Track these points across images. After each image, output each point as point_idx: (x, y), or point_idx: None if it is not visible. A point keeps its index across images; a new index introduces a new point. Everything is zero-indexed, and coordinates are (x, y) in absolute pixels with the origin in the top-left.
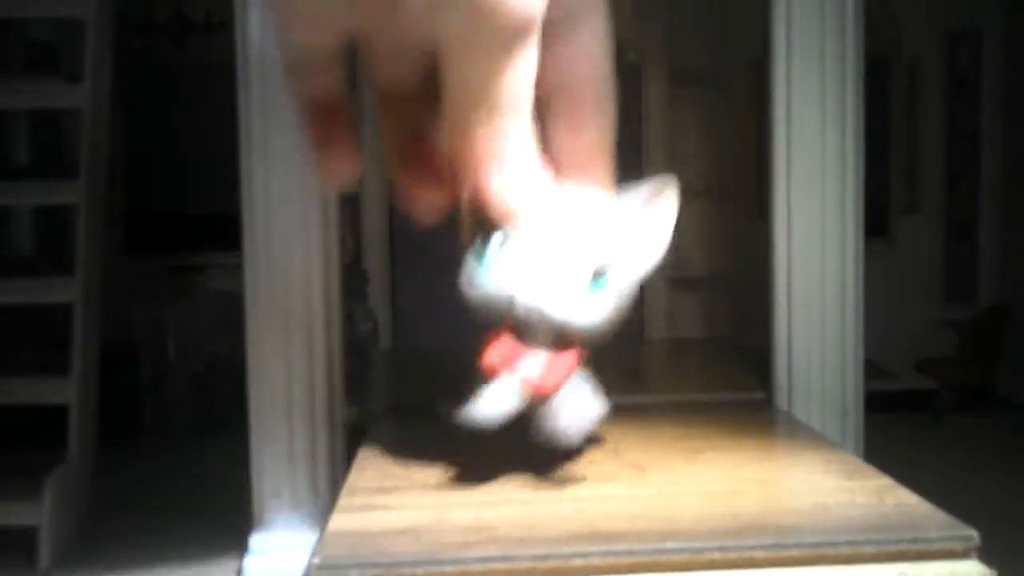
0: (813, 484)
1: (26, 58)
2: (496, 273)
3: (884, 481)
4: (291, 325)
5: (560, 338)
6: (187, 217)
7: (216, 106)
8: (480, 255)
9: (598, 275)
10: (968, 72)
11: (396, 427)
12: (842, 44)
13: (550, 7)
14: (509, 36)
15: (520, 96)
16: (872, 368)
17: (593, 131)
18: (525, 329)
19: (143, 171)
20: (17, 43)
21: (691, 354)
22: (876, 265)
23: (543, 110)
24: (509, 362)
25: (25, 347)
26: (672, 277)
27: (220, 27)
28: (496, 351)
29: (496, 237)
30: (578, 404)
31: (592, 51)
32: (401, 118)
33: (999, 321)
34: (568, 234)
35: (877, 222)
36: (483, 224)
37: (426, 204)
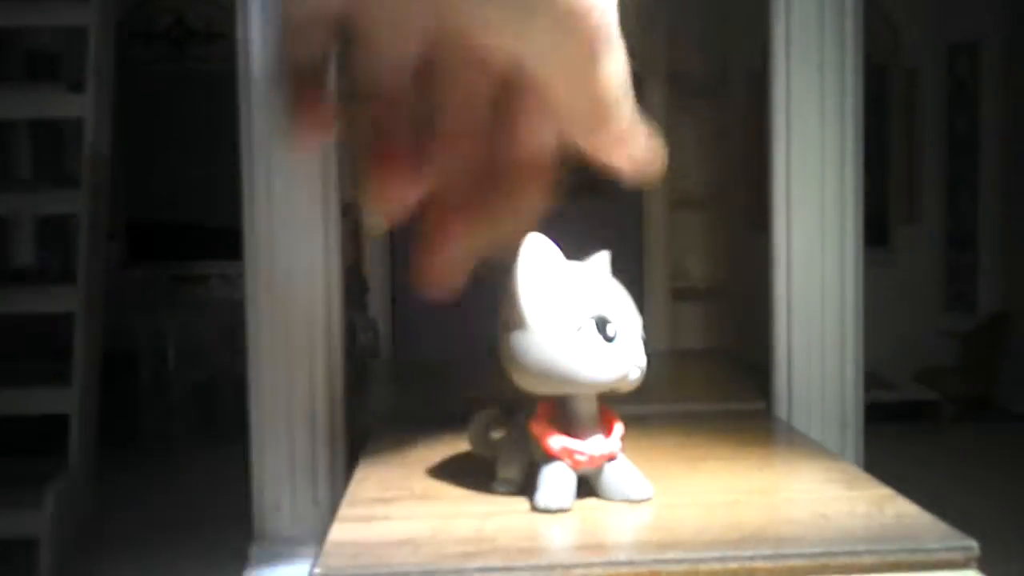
0: (813, 494)
1: (27, 67)
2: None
3: (884, 491)
4: (292, 335)
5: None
6: (188, 226)
7: (217, 115)
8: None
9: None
10: (967, 82)
11: (396, 437)
12: (841, 54)
13: None
14: (595, 48)
15: (621, 88)
16: (872, 378)
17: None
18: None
19: (144, 180)
20: (18, 52)
21: (692, 365)
22: (876, 275)
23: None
24: (569, 452)
25: (26, 357)
26: (672, 288)
27: (221, 36)
28: (556, 440)
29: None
30: (626, 463)
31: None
32: (383, 117)
33: (999, 331)
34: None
35: (877, 232)
36: None
37: (396, 201)
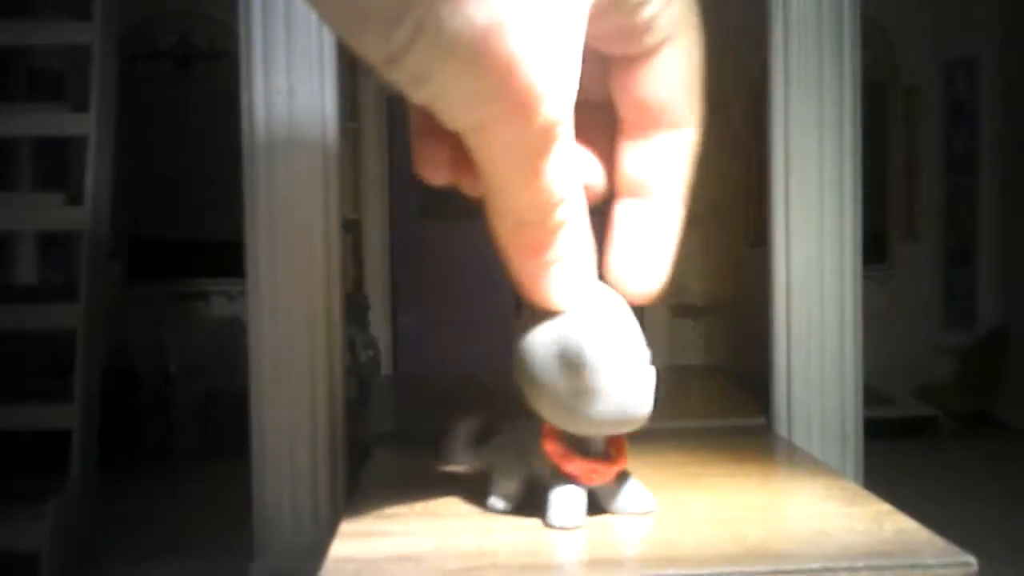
0: (813, 510)
1: (31, 85)
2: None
3: (883, 507)
4: (293, 352)
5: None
6: (189, 244)
7: (219, 133)
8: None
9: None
10: (965, 99)
11: (397, 453)
12: (840, 71)
13: (627, 44)
14: (537, 137)
15: (555, 201)
16: (872, 394)
17: (666, 147)
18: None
19: (146, 197)
20: (21, 70)
21: (692, 380)
22: (875, 291)
23: (623, 128)
24: (586, 472)
25: (27, 373)
26: (673, 304)
27: (224, 55)
28: (574, 463)
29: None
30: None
31: (671, 73)
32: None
33: (998, 347)
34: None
35: (876, 248)
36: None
37: (440, 164)
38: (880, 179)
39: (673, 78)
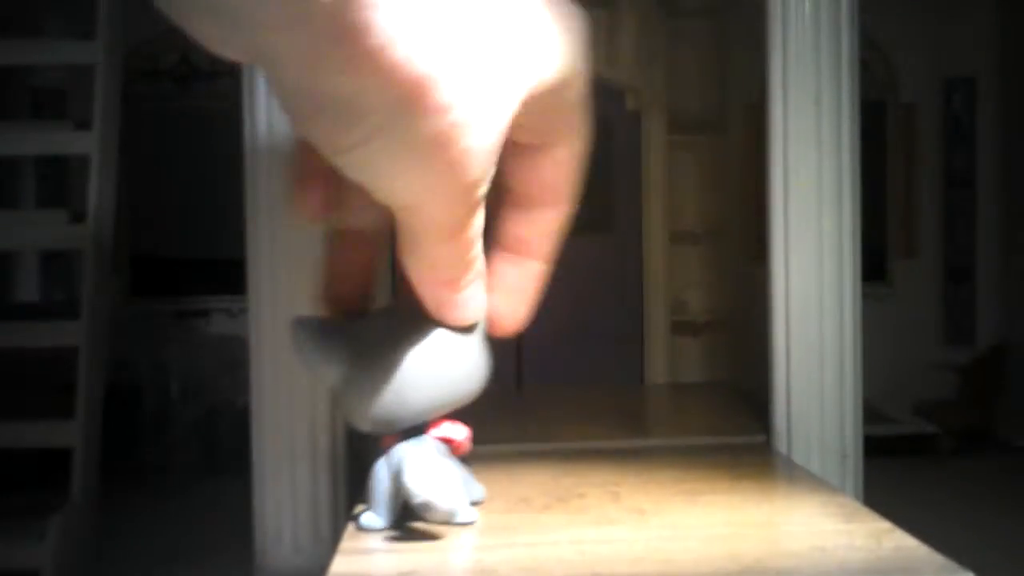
0: (812, 527)
1: (33, 104)
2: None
3: (882, 525)
4: (294, 368)
5: None
6: (190, 261)
7: (220, 151)
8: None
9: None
10: (964, 117)
11: None
12: (838, 89)
13: (524, 133)
14: (470, 212)
15: (473, 252)
16: (871, 412)
17: (543, 220)
18: None
19: (147, 215)
20: (24, 89)
21: (691, 398)
22: (875, 309)
23: (501, 196)
24: None
25: (28, 390)
26: (673, 321)
27: (225, 74)
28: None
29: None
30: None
31: (560, 164)
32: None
33: (998, 364)
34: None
35: (875, 267)
36: None
37: (314, 207)
38: (879, 197)
39: (565, 167)
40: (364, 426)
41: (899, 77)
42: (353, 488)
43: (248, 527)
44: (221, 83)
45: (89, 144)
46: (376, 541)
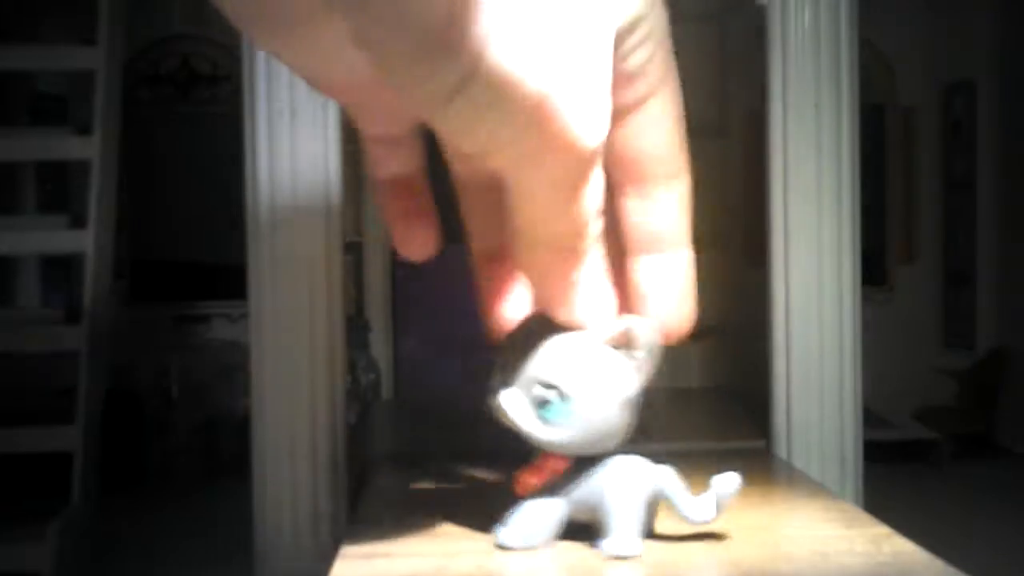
0: (812, 532)
1: (34, 109)
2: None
3: (882, 530)
4: (294, 374)
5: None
6: (191, 266)
7: (221, 156)
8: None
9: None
10: (963, 122)
11: (398, 475)
12: (838, 94)
13: (618, 93)
14: (576, 167)
15: (589, 224)
16: (871, 417)
17: (666, 200)
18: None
19: (148, 220)
20: (24, 95)
21: (691, 403)
22: (875, 314)
23: (612, 184)
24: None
25: (29, 395)
26: None
27: (225, 79)
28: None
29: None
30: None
31: (662, 124)
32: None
33: (997, 369)
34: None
35: (875, 271)
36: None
37: (420, 241)
38: (879, 201)
39: (664, 129)
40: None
41: (898, 81)
42: (354, 494)
43: (249, 531)
44: (222, 88)
45: (90, 149)
46: (377, 546)
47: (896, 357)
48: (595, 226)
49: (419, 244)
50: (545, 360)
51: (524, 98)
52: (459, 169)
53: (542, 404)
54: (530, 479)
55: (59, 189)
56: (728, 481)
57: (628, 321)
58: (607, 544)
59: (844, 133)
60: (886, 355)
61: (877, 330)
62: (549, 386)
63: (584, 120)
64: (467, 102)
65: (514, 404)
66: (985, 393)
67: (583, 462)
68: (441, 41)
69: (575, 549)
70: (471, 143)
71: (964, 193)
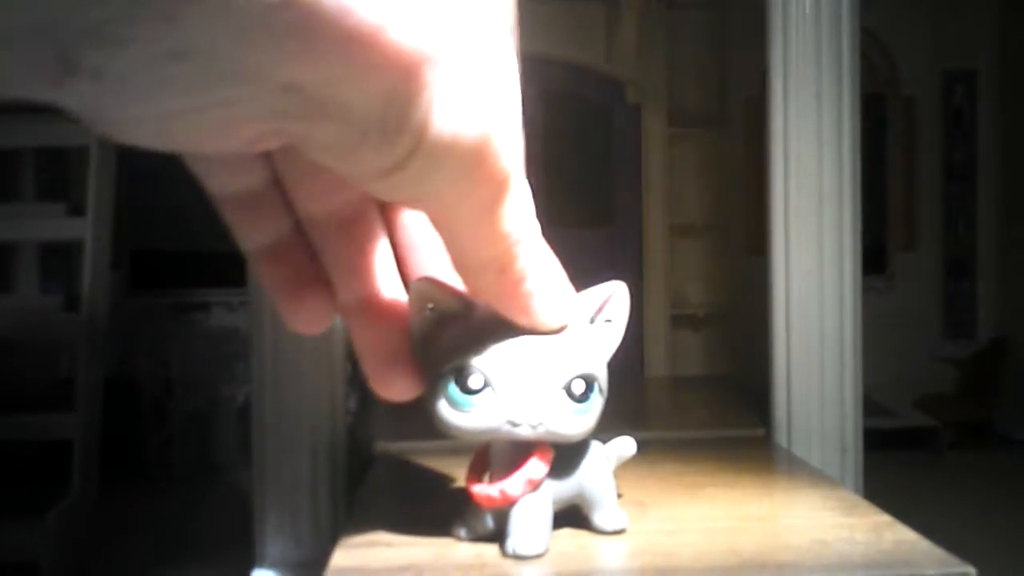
0: (812, 521)
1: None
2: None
3: (883, 518)
4: (294, 361)
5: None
6: (189, 254)
7: None
8: (454, 395)
9: (588, 384)
10: (964, 110)
11: (398, 463)
12: (839, 83)
13: None
14: (505, 191)
15: (526, 235)
16: (871, 405)
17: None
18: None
19: (147, 208)
20: None
21: (691, 391)
22: (875, 302)
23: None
24: (482, 498)
25: (28, 383)
26: (672, 314)
27: None
28: (477, 487)
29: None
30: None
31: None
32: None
33: (997, 358)
34: (544, 346)
35: (876, 259)
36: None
37: (312, 314)
38: (879, 190)
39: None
40: None
41: (899, 70)
42: (353, 482)
43: (247, 519)
44: None
45: (87, 135)
46: (376, 535)
47: (896, 345)
48: (533, 232)
49: (311, 316)
50: (566, 353)
51: (466, 150)
52: (315, 210)
53: (582, 398)
54: (524, 486)
55: (58, 177)
56: (625, 444)
57: (606, 289)
58: (604, 521)
59: (845, 122)
60: (886, 344)
61: (877, 319)
62: (587, 377)
63: (513, 146)
64: (408, 174)
65: (553, 405)
66: (985, 381)
67: (559, 454)
68: (380, 132)
69: (559, 536)
70: (403, 199)
71: (965, 182)
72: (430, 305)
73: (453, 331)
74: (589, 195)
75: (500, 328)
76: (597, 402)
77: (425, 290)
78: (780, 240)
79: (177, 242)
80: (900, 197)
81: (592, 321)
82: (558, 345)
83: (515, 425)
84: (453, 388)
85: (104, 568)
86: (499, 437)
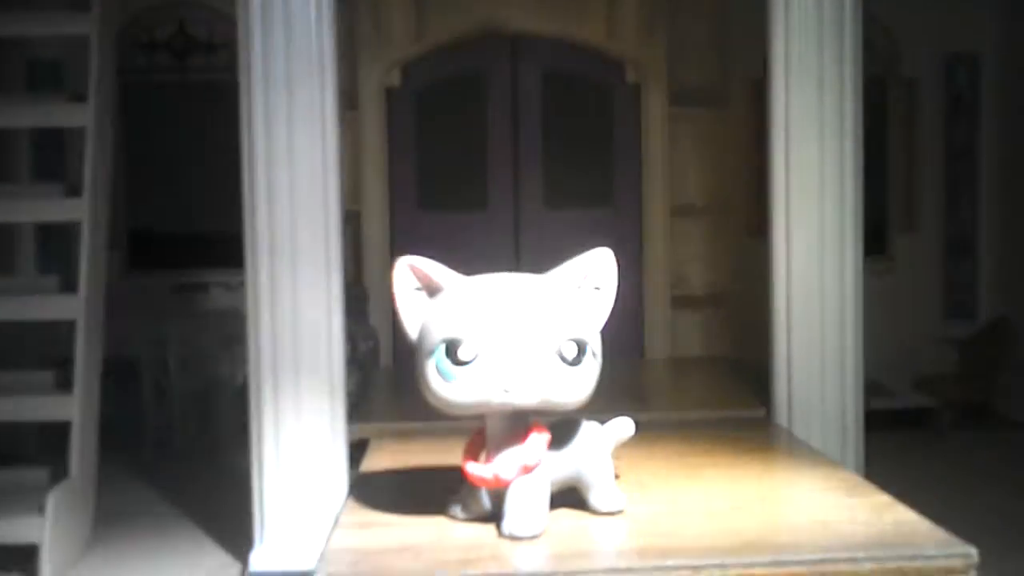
0: (813, 501)
1: (30, 76)
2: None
3: (883, 498)
4: (292, 343)
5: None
6: (188, 235)
7: (218, 124)
8: (444, 367)
9: (580, 348)
10: (965, 92)
11: (396, 445)
12: (840, 65)
13: None
14: None
15: None
16: (872, 386)
17: None
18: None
19: (145, 189)
20: (20, 60)
21: (692, 372)
22: (876, 283)
23: None
24: (470, 475)
25: (27, 364)
26: (673, 296)
27: (222, 46)
28: (470, 466)
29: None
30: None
31: None
32: None
33: (998, 339)
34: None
35: (877, 241)
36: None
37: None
38: (880, 171)
39: None
40: None
41: (901, 53)
42: (352, 462)
43: (247, 498)
44: (219, 55)
45: (84, 116)
46: (374, 516)
47: (897, 326)
48: None
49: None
50: (555, 318)
51: None
52: None
53: (575, 361)
54: (518, 470)
55: (55, 157)
56: (623, 425)
57: (591, 256)
58: (602, 501)
59: (847, 104)
60: (887, 324)
61: (878, 299)
62: (578, 341)
63: None
64: None
65: (545, 370)
66: (985, 362)
67: (556, 435)
68: None
69: (557, 516)
70: None
71: (965, 164)
72: (416, 285)
73: (440, 306)
74: (589, 175)
75: (487, 300)
76: (591, 366)
77: (409, 270)
78: (781, 221)
79: (176, 223)
80: (901, 178)
81: (579, 288)
82: (547, 312)
83: (509, 392)
84: (444, 361)
85: (104, 548)
86: (494, 410)
